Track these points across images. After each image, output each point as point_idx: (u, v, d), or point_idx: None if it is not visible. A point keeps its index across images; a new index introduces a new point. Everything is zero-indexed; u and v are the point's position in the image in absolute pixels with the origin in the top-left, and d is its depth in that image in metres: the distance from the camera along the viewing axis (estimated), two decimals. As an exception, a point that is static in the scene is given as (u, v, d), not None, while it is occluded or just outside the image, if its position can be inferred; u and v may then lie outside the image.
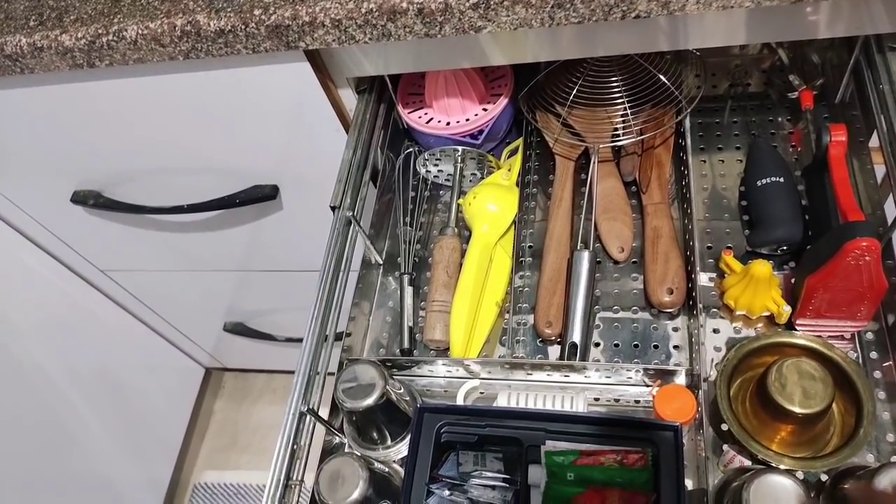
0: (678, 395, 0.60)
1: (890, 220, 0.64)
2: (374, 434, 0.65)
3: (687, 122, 0.75)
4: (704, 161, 0.79)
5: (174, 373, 1.57)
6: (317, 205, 0.77)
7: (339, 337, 0.68)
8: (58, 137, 0.88)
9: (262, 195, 0.90)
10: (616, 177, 0.78)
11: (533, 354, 0.71)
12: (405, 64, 0.72)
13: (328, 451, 0.68)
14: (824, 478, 0.57)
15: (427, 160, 0.82)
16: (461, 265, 0.75)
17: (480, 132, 0.79)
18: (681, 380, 0.63)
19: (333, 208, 0.71)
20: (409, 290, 0.76)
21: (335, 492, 0.57)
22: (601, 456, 0.56)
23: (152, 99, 0.79)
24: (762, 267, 0.62)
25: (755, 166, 0.73)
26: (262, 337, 1.39)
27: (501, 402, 0.66)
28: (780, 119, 0.81)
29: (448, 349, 0.71)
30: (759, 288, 0.63)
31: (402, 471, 0.65)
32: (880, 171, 0.70)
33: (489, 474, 0.59)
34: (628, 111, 0.74)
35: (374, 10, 0.61)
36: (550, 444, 0.58)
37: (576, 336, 0.67)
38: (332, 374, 0.65)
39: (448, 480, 0.59)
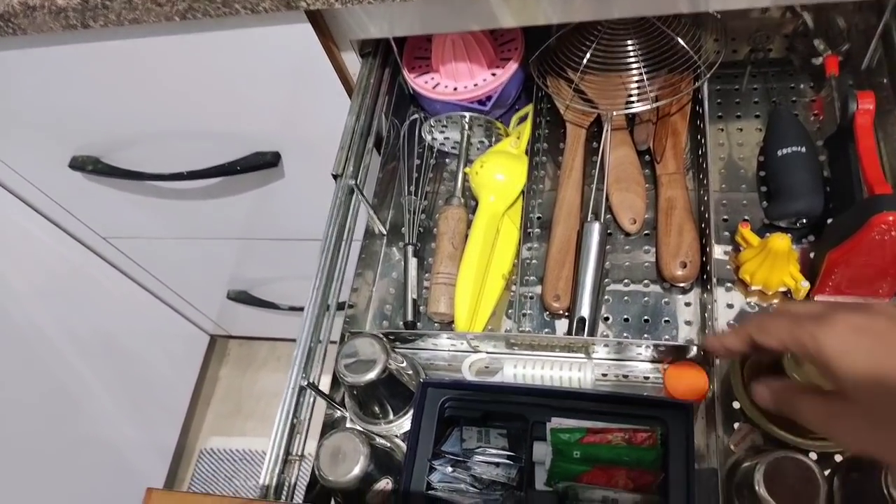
0: (690, 373, 0.59)
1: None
2: (376, 408, 0.64)
3: (705, 89, 0.72)
4: (722, 129, 0.76)
5: (179, 340, 1.57)
6: (319, 172, 0.75)
7: (341, 306, 0.67)
8: (54, 102, 0.86)
9: (264, 162, 0.88)
10: (629, 145, 0.75)
11: (540, 328, 0.69)
12: (411, 26, 0.69)
13: (329, 425, 0.67)
14: (839, 458, 0.56)
15: (433, 127, 0.80)
16: (467, 236, 0.73)
17: (489, 98, 0.76)
18: (693, 356, 0.61)
19: (335, 176, 0.68)
20: (413, 262, 0.74)
21: (336, 467, 0.56)
22: (608, 434, 0.55)
23: (149, 62, 0.77)
24: (781, 241, 0.59)
25: (775, 135, 0.70)
26: (265, 305, 1.38)
27: (507, 371, 0.64)
28: (802, 86, 0.77)
29: (452, 322, 0.70)
30: (776, 262, 0.61)
31: (404, 446, 0.64)
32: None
33: (493, 451, 0.58)
34: (644, 76, 0.71)
35: (378, -34, 0.58)
36: (556, 421, 0.57)
37: (584, 310, 0.65)
38: (335, 342, 0.64)
39: (451, 457, 0.58)
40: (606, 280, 0.70)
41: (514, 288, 0.70)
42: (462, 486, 0.56)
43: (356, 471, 0.55)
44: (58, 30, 0.70)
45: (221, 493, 1.59)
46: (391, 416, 0.64)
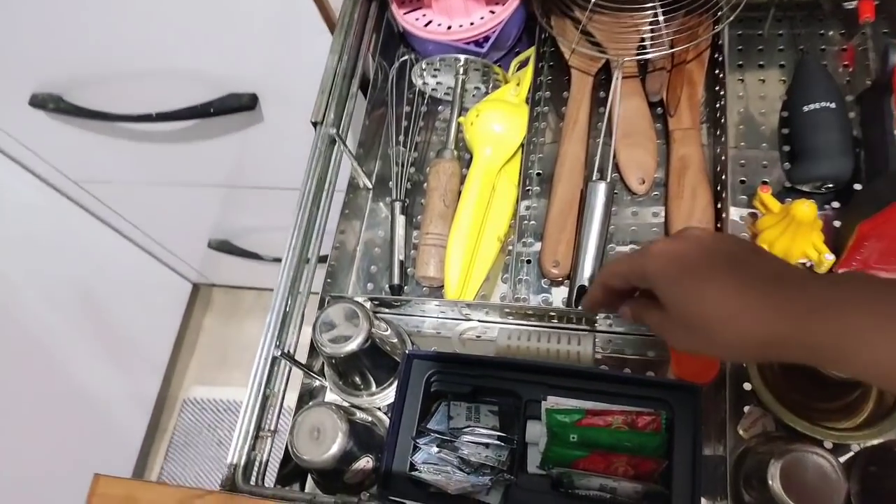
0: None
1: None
2: (358, 379, 0.59)
3: (725, 34, 0.65)
4: (742, 80, 0.70)
5: (159, 288, 1.52)
6: (300, 118, 0.68)
7: (323, 259, 0.61)
8: (9, 31, 0.78)
9: (239, 105, 0.82)
10: (640, 96, 0.69)
11: (537, 296, 0.64)
12: (401, -47, 0.61)
13: (307, 395, 0.62)
14: (855, 447, 0.52)
15: (424, 70, 0.73)
16: (460, 193, 0.67)
17: (486, 39, 0.70)
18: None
19: (315, 124, 0.62)
20: (400, 220, 0.68)
21: (312, 445, 0.52)
22: (609, 416, 0.50)
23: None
24: (805, 208, 0.54)
25: (801, 89, 0.64)
26: (249, 256, 1.33)
27: (500, 341, 0.60)
28: (831, 33, 0.70)
29: (442, 287, 0.64)
30: (799, 231, 0.56)
31: (386, 420, 0.60)
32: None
33: (483, 431, 0.53)
34: (660, 18, 0.64)
35: None
36: (553, 401, 0.52)
37: (585, 278, 0.60)
38: (316, 293, 0.59)
39: (437, 435, 0.53)
40: (610, 245, 0.64)
41: (509, 250, 0.65)
42: (448, 469, 0.52)
43: (334, 449, 0.52)
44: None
45: (204, 442, 1.57)
46: (374, 388, 0.60)
